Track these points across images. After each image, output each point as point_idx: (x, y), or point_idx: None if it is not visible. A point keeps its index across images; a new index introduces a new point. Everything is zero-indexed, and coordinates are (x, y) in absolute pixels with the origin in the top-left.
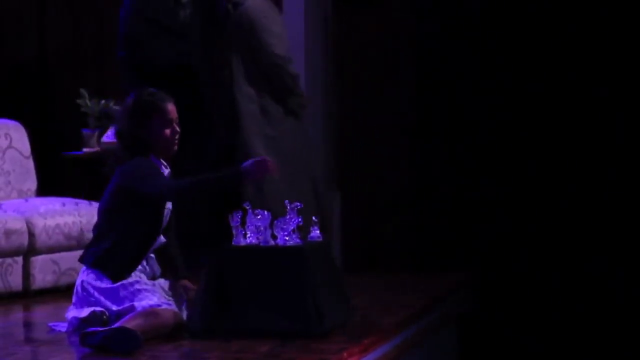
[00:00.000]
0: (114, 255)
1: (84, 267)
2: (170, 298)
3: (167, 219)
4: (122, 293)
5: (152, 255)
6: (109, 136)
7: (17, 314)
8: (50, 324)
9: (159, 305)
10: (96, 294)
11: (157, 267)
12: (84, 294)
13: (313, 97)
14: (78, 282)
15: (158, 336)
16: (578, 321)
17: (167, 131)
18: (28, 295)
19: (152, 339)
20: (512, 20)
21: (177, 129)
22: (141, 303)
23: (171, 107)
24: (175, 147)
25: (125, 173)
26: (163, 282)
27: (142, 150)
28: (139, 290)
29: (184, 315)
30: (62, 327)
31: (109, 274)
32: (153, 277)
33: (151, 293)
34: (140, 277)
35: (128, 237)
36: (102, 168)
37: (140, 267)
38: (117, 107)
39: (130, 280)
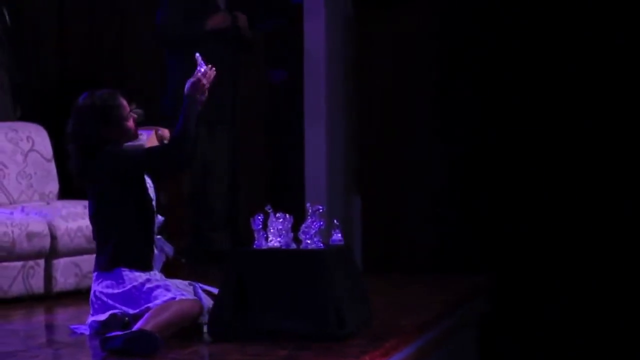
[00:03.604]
0: (126, 249)
1: (94, 275)
2: (188, 288)
3: (154, 196)
4: (136, 295)
5: (159, 236)
6: None
7: (39, 317)
8: (72, 326)
9: (174, 298)
10: (110, 301)
11: (168, 246)
12: (99, 302)
13: (334, 99)
14: (91, 292)
15: (183, 327)
16: (599, 323)
17: (130, 123)
18: (50, 298)
19: (175, 333)
20: (537, 20)
21: (134, 116)
22: (156, 302)
23: (123, 100)
24: (137, 132)
25: (105, 161)
26: (179, 282)
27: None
28: (152, 289)
29: (204, 300)
30: (84, 329)
31: (136, 267)
32: (166, 258)
33: (164, 288)
34: (150, 275)
35: (127, 226)
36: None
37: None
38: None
39: (140, 281)
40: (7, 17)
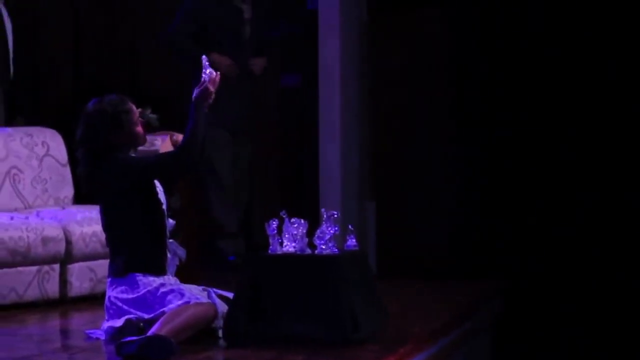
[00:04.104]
0: (138, 254)
1: (109, 281)
2: (202, 293)
3: (165, 199)
4: (151, 300)
5: (171, 240)
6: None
7: (54, 321)
8: (87, 331)
9: (188, 302)
10: (125, 306)
11: (181, 250)
12: (114, 307)
13: (348, 105)
14: (105, 298)
15: (198, 331)
16: (614, 326)
17: (139, 128)
18: (65, 303)
19: (190, 337)
20: (549, 25)
21: (143, 120)
22: (170, 307)
23: (132, 105)
24: (146, 137)
25: (114, 167)
26: (193, 287)
27: (116, 151)
28: (166, 294)
29: (218, 305)
30: (99, 334)
31: (150, 272)
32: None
33: (178, 292)
34: (164, 280)
35: (139, 231)
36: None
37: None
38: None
39: (155, 285)
40: None
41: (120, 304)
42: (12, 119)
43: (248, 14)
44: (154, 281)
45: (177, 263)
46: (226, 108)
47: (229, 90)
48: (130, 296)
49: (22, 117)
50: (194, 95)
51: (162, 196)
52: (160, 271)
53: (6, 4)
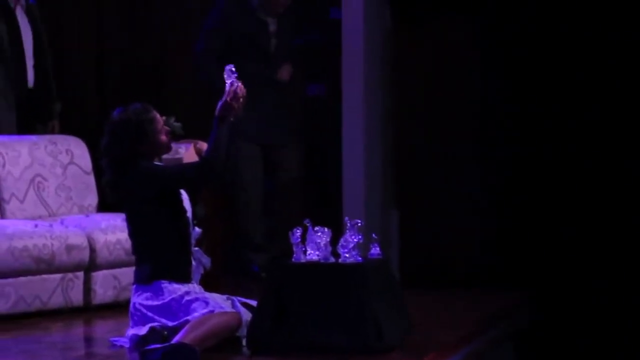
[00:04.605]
0: (164, 262)
1: (134, 288)
2: (226, 302)
3: (190, 207)
4: (175, 307)
5: (197, 248)
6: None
7: (78, 329)
8: (112, 338)
9: (212, 311)
10: (149, 313)
11: (206, 258)
12: (139, 314)
13: (372, 113)
14: (130, 304)
15: (222, 340)
16: None
17: (163, 137)
18: (89, 310)
19: (213, 346)
20: (576, 31)
21: (167, 129)
22: (195, 315)
23: (157, 114)
24: (171, 145)
25: (139, 177)
26: (217, 296)
27: (141, 159)
28: (190, 302)
29: (243, 314)
30: (124, 342)
31: (175, 279)
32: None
33: (203, 301)
34: (189, 288)
35: (164, 239)
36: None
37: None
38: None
39: (180, 293)
40: (6, 36)
41: (144, 310)
42: (31, 128)
43: (273, 26)
44: (179, 289)
45: (202, 271)
46: (253, 121)
47: (256, 103)
48: (155, 303)
49: (44, 125)
50: (217, 110)
51: (187, 204)
52: (185, 279)
53: (28, 12)
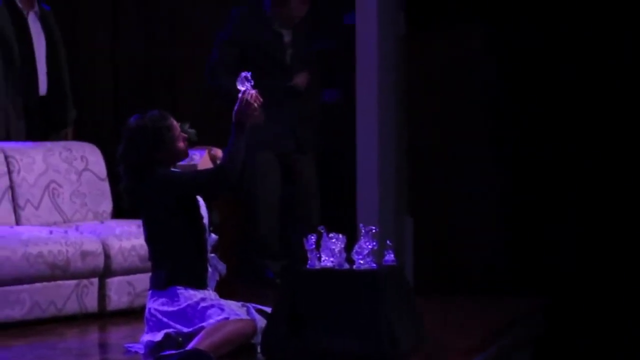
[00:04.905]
0: (180, 268)
1: (149, 293)
2: (241, 309)
3: (206, 214)
4: (191, 313)
5: (212, 254)
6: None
7: (93, 335)
8: (126, 344)
9: (228, 318)
10: (165, 318)
11: (221, 264)
12: (154, 319)
13: (386, 119)
14: (146, 310)
15: (237, 347)
16: None
17: (181, 144)
18: (103, 316)
19: (228, 353)
20: (590, 38)
21: (185, 135)
22: (210, 322)
23: (174, 121)
24: (188, 152)
25: (156, 184)
26: (232, 303)
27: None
28: (206, 308)
29: (258, 321)
30: (138, 348)
31: (191, 285)
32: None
33: (218, 307)
34: (205, 294)
35: (181, 245)
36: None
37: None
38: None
39: (195, 299)
40: (16, 43)
41: (160, 316)
42: (44, 136)
43: (288, 37)
44: (194, 295)
45: (217, 278)
46: (270, 130)
47: (273, 113)
48: (171, 309)
49: (57, 133)
50: (233, 117)
51: (203, 210)
52: (201, 285)
53: (42, 18)
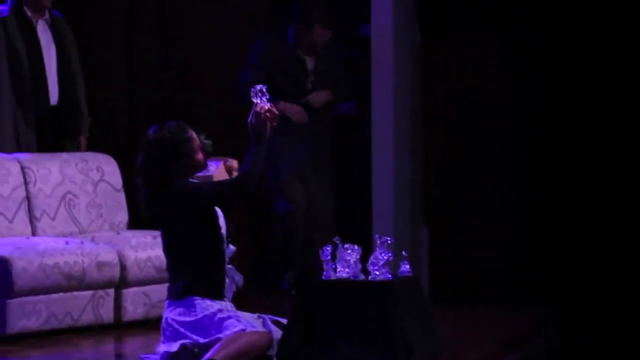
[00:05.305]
0: (198, 278)
1: (166, 303)
2: (257, 321)
3: (224, 225)
4: (207, 324)
5: (230, 265)
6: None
7: (109, 346)
8: (142, 355)
9: (244, 330)
10: (181, 329)
11: (238, 275)
12: (170, 329)
13: (401, 130)
14: (163, 319)
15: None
16: None
17: (199, 155)
18: (119, 327)
19: None
20: (603, 45)
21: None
22: (226, 333)
23: (193, 133)
24: (207, 163)
25: (174, 195)
26: (248, 315)
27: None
28: (223, 319)
29: (274, 332)
30: (154, 358)
31: (208, 296)
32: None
33: (235, 319)
34: (222, 305)
35: (199, 256)
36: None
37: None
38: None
39: (212, 310)
40: (24, 52)
41: (176, 326)
42: (59, 145)
43: (311, 64)
44: (211, 306)
45: (235, 289)
46: (292, 155)
47: (293, 137)
48: (187, 319)
49: (71, 141)
50: (249, 125)
51: (221, 221)
52: (218, 296)
53: (52, 26)
